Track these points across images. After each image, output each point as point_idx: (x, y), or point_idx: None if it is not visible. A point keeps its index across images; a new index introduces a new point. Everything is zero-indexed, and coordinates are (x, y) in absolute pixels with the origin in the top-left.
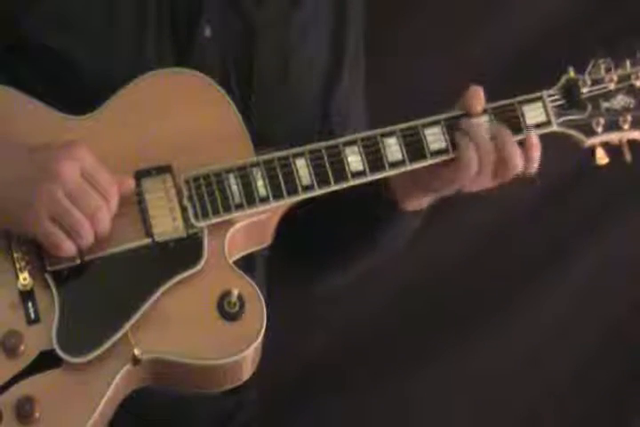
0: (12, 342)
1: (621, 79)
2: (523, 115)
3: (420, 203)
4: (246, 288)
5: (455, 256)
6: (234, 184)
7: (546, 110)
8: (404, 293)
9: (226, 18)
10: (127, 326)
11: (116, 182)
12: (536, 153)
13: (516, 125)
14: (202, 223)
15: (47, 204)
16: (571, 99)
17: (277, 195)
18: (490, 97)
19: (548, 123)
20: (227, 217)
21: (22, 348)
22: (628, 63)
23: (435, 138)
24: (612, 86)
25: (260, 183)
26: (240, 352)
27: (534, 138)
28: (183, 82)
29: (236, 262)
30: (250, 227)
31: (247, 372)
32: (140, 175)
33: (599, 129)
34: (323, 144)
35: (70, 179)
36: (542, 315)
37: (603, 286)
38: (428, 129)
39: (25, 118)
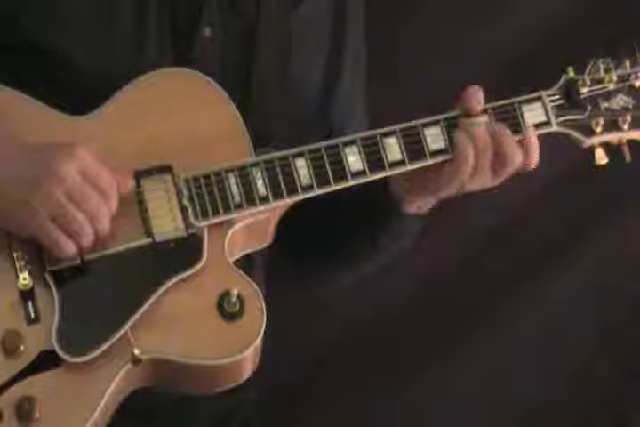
0: (11, 341)
1: (621, 79)
2: (522, 115)
3: (420, 206)
4: (246, 288)
5: (455, 257)
6: (234, 184)
7: (545, 110)
8: (404, 293)
9: (226, 18)
10: (127, 325)
11: (116, 182)
12: (535, 149)
13: (516, 126)
14: (202, 223)
15: (47, 204)
16: (570, 99)
17: (277, 195)
18: (490, 97)
19: (547, 123)
20: (227, 217)
21: (22, 348)
22: (627, 63)
23: (435, 138)
24: (611, 86)
25: (259, 183)
26: (240, 352)
27: (533, 133)
28: (183, 82)
29: (235, 262)
30: (250, 227)
31: (247, 372)
32: (139, 175)
33: (598, 129)
34: (322, 144)
35: (70, 179)
36: (542, 315)
37: (602, 285)
38: (427, 129)
39: (25, 118)
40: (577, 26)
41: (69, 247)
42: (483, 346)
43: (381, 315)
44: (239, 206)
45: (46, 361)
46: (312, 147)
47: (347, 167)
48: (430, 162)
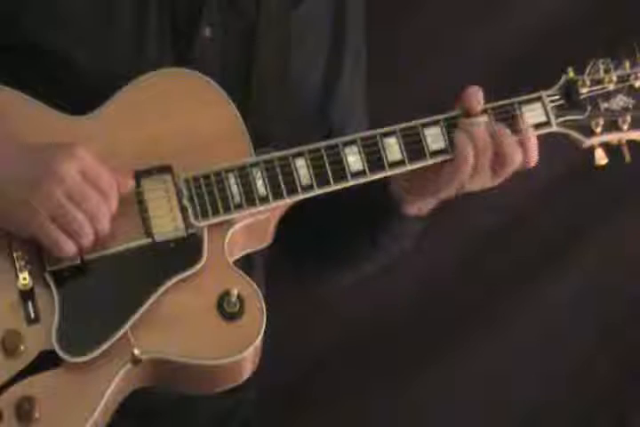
0: (11, 341)
1: (621, 80)
2: (522, 115)
3: (420, 207)
4: (246, 288)
5: (455, 257)
6: (234, 184)
7: (545, 110)
8: (404, 293)
9: (226, 18)
10: (127, 325)
11: (116, 182)
12: (534, 148)
13: (516, 126)
14: (202, 223)
15: (47, 203)
16: (570, 99)
17: (277, 195)
18: (490, 97)
19: (547, 123)
20: (226, 217)
21: (22, 348)
22: (627, 64)
23: (434, 138)
24: (611, 87)
25: (259, 183)
26: (240, 352)
27: (531, 132)
28: (183, 82)
29: (235, 262)
30: (249, 227)
31: (247, 372)
32: (139, 175)
33: (598, 129)
34: (322, 144)
35: (70, 179)
36: (542, 315)
37: (602, 285)
38: (427, 129)
39: (25, 118)
40: (577, 26)
41: (69, 247)
42: (483, 346)
43: (381, 315)
44: (239, 206)
45: (46, 361)
46: (312, 147)
47: (347, 167)
48: (430, 162)
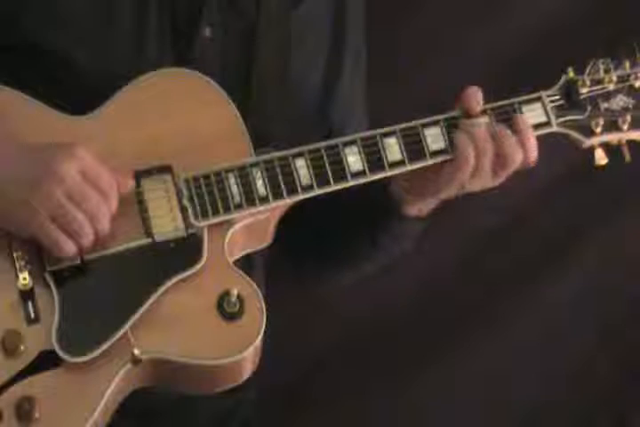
0: (11, 341)
1: (621, 80)
2: (521, 115)
3: (420, 208)
4: (246, 288)
5: (456, 257)
6: (234, 184)
7: (545, 111)
8: (404, 293)
9: (226, 18)
10: (127, 325)
11: (116, 182)
12: (534, 148)
13: (515, 126)
14: (202, 223)
15: (47, 203)
16: (570, 99)
17: (277, 195)
18: (490, 97)
19: (547, 123)
20: (226, 217)
21: (22, 348)
22: (627, 64)
23: (434, 138)
24: (611, 87)
25: (259, 183)
26: (240, 352)
27: (531, 132)
28: (183, 82)
29: (235, 262)
30: (250, 227)
31: (247, 372)
32: (139, 175)
33: (598, 129)
34: (322, 144)
35: (70, 179)
36: (542, 315)
37: (602, 285)
38: (427, 129)
39: (25, 118)
40: (577, 26)
41: (69, 247)
42: (483, 346)
43: (381, 315)
44: (239, 206)
45: (46, 361)
46: (312, 147)
47: (347, 167)
48: (430, 162)
